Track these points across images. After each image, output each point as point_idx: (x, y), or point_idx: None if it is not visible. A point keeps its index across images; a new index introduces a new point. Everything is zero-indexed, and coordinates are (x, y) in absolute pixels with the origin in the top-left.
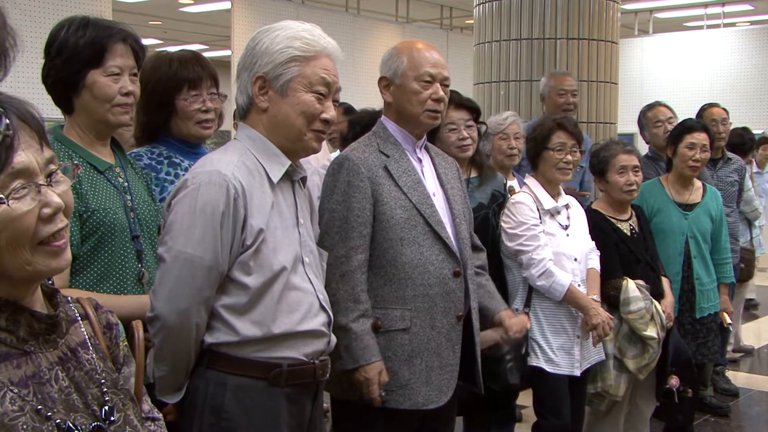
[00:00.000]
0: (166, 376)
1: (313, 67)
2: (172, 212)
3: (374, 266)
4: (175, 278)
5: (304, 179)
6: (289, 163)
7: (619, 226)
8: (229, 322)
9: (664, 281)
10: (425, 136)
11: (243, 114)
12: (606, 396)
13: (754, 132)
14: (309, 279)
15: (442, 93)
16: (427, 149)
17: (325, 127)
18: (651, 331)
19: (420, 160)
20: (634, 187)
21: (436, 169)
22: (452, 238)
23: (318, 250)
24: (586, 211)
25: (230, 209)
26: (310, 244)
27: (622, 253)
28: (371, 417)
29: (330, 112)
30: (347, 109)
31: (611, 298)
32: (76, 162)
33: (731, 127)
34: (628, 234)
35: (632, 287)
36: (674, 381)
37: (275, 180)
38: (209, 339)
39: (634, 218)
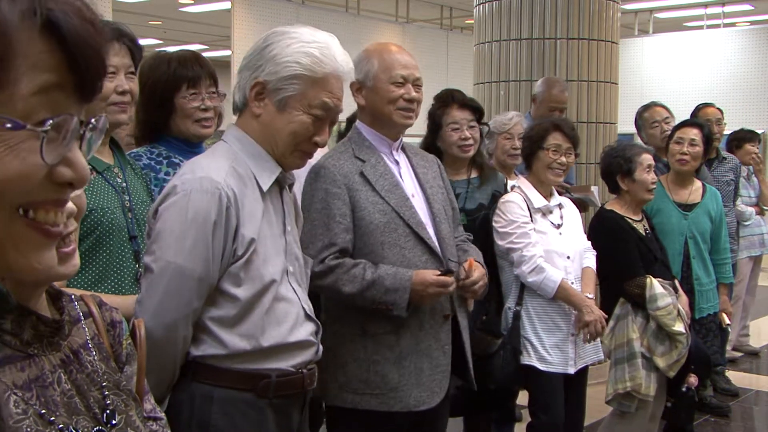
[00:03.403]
0: (150, 388)
1: (316, 90)
2: (161, 220)
3: None
4: (163, 290)
5: (291, 185)
6: (279, 170)
7: (635, 226)
8: (216, 335)
9: (675, 281)
10: (401, 138)
11: (237, 113)
12: (636, 396)
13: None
14: (293, 288)
15: (414, 93)
16: (404, 150)
17: (313, 149)
18: (679, 327)
19: (397, 162)
20: (655, 186)
21: (414, 170)
22: (434, 239)
23: (303, 257)
24: (599, 212)
25: (222, 219)
26: (295, 252)
27: (642, 252)
28: (363, 420)
29: (322, 136)
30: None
31: (636, 297)
32: (90, 166)
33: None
34: (644, 234)
35: (657, 284)
36: (693, 380)
37: (265, 188)
38: (195, 352)
39: (645, 219)
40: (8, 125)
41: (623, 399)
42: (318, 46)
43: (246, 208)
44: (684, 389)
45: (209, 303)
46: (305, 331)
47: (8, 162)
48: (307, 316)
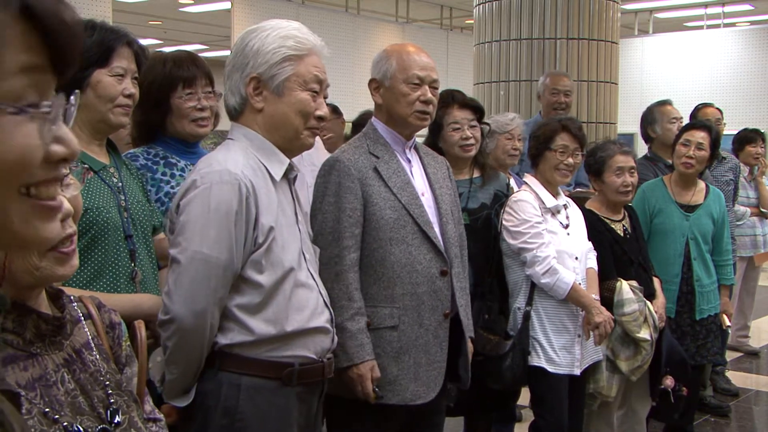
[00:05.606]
0: (177, 379)
1: (306, 66)
2: (184, 213)
3: (364, 265)
4: (191, 279)
5: (295, 178)
6: (288, 161)
7: (613, 226)
8: (243, 322)
9: (655, 281)
10: (414, 137)
11: (235, 115)
12: (598, 397)
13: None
14: (312, 275)
15: (430, 95)
16: (416, 149)
17: (319, 124)
18: (644, 333)
19: (409, 161)
20: (630, 188)
21: (425, 169)
22: (440, 238)
23: (313, 247)
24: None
25: (243, 208)
26: (307, 241)
27: (616, 254)
28: (360, 411)
29: (323, 109)
30: (334, 109)
31: (605, 300)
32: (87, 166)
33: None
34: (621, 235)
35: (626, 289)
36: (669, 381)
37: (277, 178)
38: (223, 340)
39: (627, 219)
40: (10, 110)
41: (587, 398)
42: (293, 28)
43: (262, 198)
44: (662, 390)
45: (234, 291)
46: (324, 317)
47: (11, 146)
48: (325, 303)
